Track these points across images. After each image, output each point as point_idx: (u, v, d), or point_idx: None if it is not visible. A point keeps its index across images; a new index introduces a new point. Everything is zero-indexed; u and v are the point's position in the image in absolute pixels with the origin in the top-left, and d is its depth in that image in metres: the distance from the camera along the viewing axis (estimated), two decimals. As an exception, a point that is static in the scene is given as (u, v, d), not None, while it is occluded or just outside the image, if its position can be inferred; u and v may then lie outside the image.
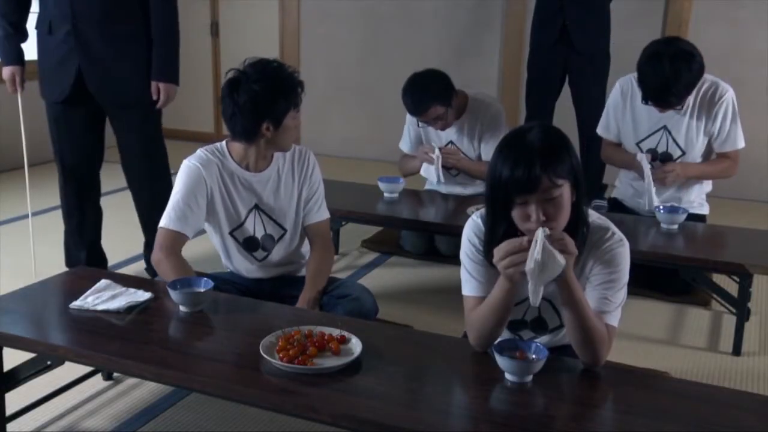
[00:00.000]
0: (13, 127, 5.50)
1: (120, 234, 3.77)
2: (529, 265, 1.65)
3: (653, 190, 3.11)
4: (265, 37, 6.36)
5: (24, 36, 3.10)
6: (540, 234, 1.63)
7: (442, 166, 3.43)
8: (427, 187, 3.81)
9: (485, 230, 1.82)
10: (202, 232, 2.53)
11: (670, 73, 2.88)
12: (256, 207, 2.44)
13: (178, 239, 2.34)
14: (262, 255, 2.48)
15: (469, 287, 1.89)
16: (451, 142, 3.51)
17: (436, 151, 3.41)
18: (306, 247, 2.58)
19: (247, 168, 2.42)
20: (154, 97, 3.05)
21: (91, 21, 2.94)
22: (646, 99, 3.03)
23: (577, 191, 1.73)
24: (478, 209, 2.36)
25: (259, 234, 2.46)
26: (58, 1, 2.94)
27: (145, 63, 3.04)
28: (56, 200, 4.61)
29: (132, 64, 3.04)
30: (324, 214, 2.54)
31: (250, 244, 2.46)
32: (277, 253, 2.49)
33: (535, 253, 1.62)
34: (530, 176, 1.65)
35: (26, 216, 4.43)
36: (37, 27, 3.06)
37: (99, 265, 3.29)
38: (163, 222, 2.34)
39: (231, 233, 2.45)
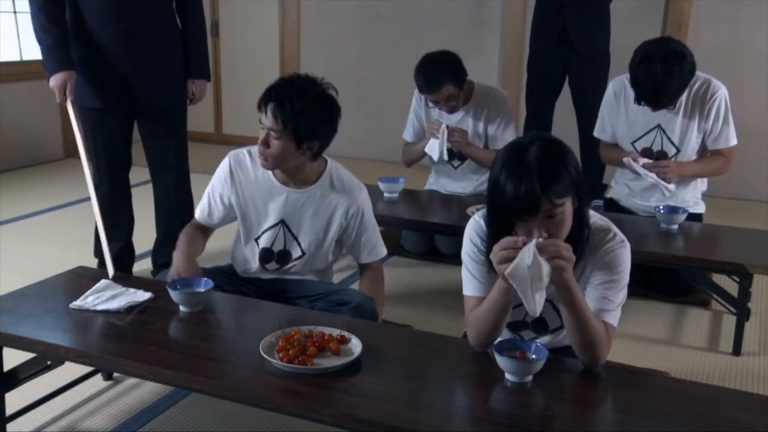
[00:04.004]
0: (13, 128, 5.54)
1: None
2: (510, 269, 1.64)
3: (659, 179, 3.12)
4: (265, 37, 6.37)
5: (68, 40, 2.99)
6: (531, 245, 1.63)
7: (447, 150, 3.40)
8: (427, 187, 3.81)
9: (488, 236, 1.83)
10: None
11: (663, 75, 2.89)
12: (282, 222, 2.39)
13: (202, 227, 2.51)
14: (274, 267, 2.44)
15: (470, 287, 1.89)
16: None
17: (443, 126, 3.39)
18: (333, 273, 2.57)
19: (284, 182, 2.36)
20: (189, 95, 3.10)
21: (137, 25, 2.94)
22: (639, 100, 3.04)
23: (579, 199, 1.73)
24: (478, 209, 2.36)
25: (277, 248, 2.42)
26: (98, 7, 2.91)
27: (181, 63, 3.08)
28: (56, 201, 4.65)
29: (172, 65, 3.07)
30: (376, 255, 2.45)
31: (264, 255, 2.43)
32: (290, 267, 2.44)
33: (525, 257, 1.62)
34: (531, 201, 1.63)
35: (26, 216, 4.45)
36: (71, 34, 3.00)
37: (127, 261, 3.34)
38: (195, 212, 2.53)
39: (256, 239, 2.43)
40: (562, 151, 1.70)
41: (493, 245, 1.74)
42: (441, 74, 3.31)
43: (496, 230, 1.76)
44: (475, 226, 1.89)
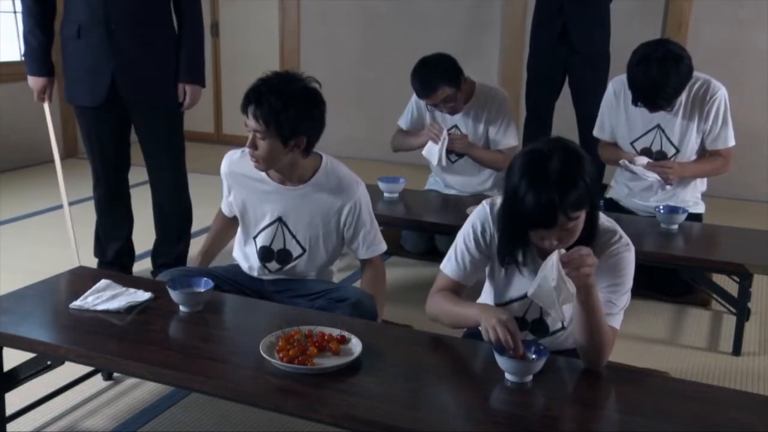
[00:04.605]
0: (12, 128, 5.54)
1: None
2: (531, 289, 1.69)
3: (655, 177, 3.14)
4: (265, 37, 6.36)
5: (52, 44, 3.06)
6: (555, 258, 1.64)
7: (447, 150, 3.41)
8: (427, 187, 3.81)
9: (496, 235, 1.85)
10: (208, 229, 2.54)
11: (659, 77, 2.89)
12: (279, 220, 2.39)
13: (227, 217, 2.57)
14: (275, 267, 2.44)
15: (449, 267, 1.95)
16: (455, 126, 3.51)
17: (444, 132, 3.39)
18: (334, 272, 2.57)
19: (280, 181, 2.36)
20: (180, 99, 3.08)
21: (126, 25, 2.94)
22: (636, 102, 3.05)
23: (592, 205, 1.73)
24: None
25: (277, 247, 2.42)
26: (89, 5, 2.91)
27: (174, 66, 3.07)
28: (56, 201, 4.64)
29: (163, 66, 3.05)
30: (374, 251, 2.43)
31: (264, 254, 2.43)
32: (291, 267, 2.44)
33: (549, 279, 1.64)
34: (550, 216, 1.64)
35: (26, 216, 4.45)
36: (63, 31, 3.03)
37: (127, 261, 3.34)
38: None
39: (254, 237, 2.44)
40: (580, 162, 1.68)
41: (503, 247, 1.80)
42: (435, 76, 3.31)
43: (508, 236, 1.79)
44: (482, 214, 1.90)
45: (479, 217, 1.90)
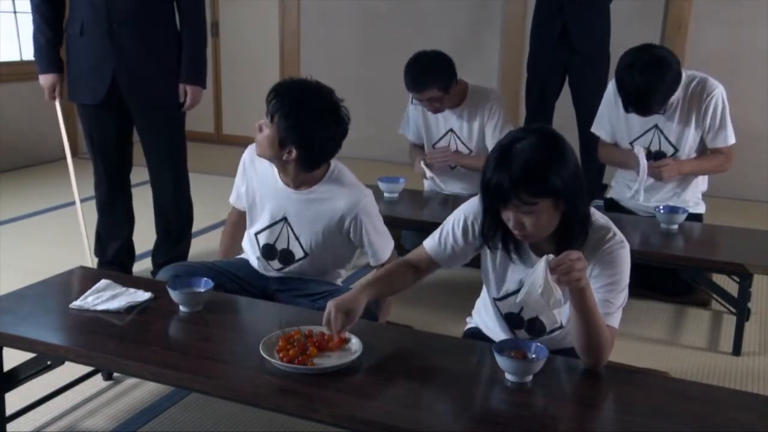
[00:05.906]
0: (13, 129, 5.54)
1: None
2: (520, 296, 1.72)
3: (643, 183, 3.14)
4: (265, 37, 6.37)
5: (61, 42, 3.08)
6: (542, 264, 1.65)
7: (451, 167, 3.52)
8: (427, 187, 3.81)
9: (481, 216, 1.87)
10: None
11: (644, 84, 2.88)
12: (285, 220, 2.39)
13: (236, 212, 2.59)
14: (278, 266, 2.46)
15: (430, 243, 2.01)
16: (451, 129, 3.52)
17: (427, 173, 3.49)
18: (342, 274, 2.57)
19: (286, 182, 2.36)
20: (181, 100, 3.08)
21: (128, 23, 2.94)
22: (625, 107, 3.04)
23: (568, 204, 1.71)
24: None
25: (280, 246, 2.42)
26: (91, 3, 2.92)
27: (175, 66, 3.07)
28: (56, 201, 4.66)
29: (163, 66, 3.05)
30: (381, 258, 2.41)
31: (268, 251, 2.44)
32: (294, 268, 2.45)
33: (538, 286, 1.65)
34: (501, 191, 1.69)
35: (26, 216, 4.45)
36: (67, 29, 3.04)
37: (127, 261, 3.34)
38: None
39: (255, 234, 2.45)
40: (553, 154, 1.69)
41: (485, 223, 1.83)
42: (427, 76, 3.32)
43: (484, 209, 1.82)
44: (473, 206, 1.92)
45: (472, 208, 1.92)
